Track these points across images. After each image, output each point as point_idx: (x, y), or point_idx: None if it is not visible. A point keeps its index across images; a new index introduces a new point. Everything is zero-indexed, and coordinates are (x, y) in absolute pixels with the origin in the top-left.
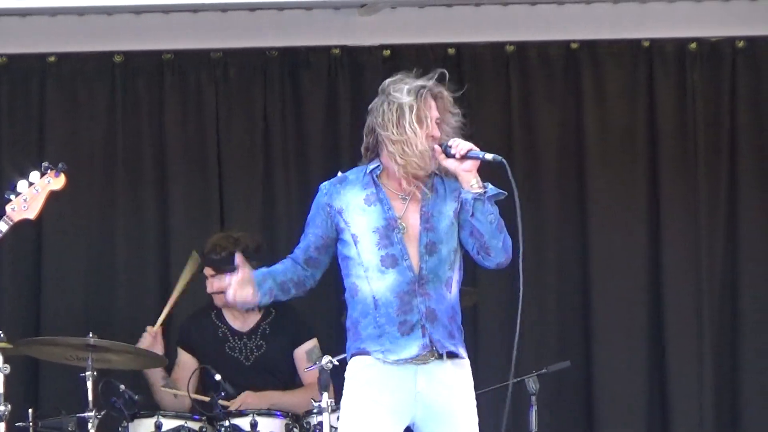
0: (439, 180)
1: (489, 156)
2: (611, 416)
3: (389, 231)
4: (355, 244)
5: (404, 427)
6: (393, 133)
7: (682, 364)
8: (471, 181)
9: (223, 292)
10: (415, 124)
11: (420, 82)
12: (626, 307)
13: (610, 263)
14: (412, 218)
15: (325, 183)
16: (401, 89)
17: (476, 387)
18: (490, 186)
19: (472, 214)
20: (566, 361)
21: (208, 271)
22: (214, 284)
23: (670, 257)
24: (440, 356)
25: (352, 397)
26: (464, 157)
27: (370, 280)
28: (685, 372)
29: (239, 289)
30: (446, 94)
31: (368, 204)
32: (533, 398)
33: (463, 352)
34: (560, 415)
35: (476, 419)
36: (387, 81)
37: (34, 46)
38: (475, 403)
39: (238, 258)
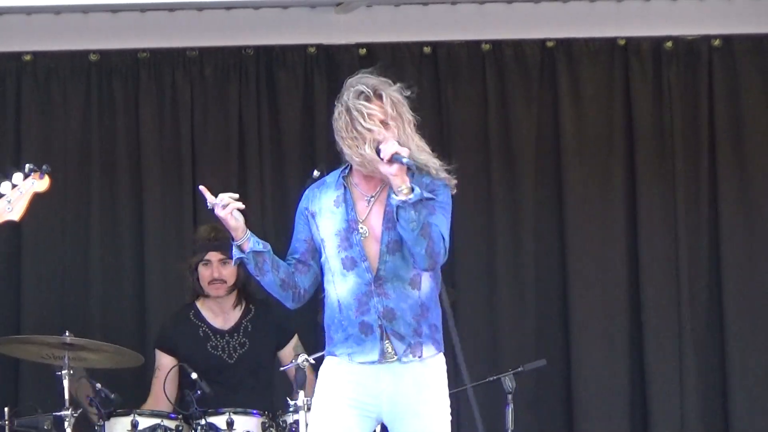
0: (410, 176)
1: (405, 160)
2: (591, 413)
3: (349, 233)
4: (324, 249)
5: (374, 424)
6: (344, 135)
7: (662, 360)
8: (400, 186)
9: (224, 281)
10: (359, 127)
11: (370, 82)
12: (605, 305)
13: (588, 261)
14: (374, 219)
15: (310, 188)
16: (350, 91)
17: (457, 385)
18: (417, 191)
19: (398, 220)
20: (542, 359)
21: (214, 255)
22: (216, 271)
23: (649, 254)
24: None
25: (321, 396)
26: (390, 161)
27: (336, 283)
28: (665, 368)
29: (236, 210)
30: (393, 93)
31: (336, 206)
32: (509, 396)
33: (431, 349)
34: (540, 414)
35: (446, 417)
36: (347, 80)
37: (9, 44)
38: (446, 400)
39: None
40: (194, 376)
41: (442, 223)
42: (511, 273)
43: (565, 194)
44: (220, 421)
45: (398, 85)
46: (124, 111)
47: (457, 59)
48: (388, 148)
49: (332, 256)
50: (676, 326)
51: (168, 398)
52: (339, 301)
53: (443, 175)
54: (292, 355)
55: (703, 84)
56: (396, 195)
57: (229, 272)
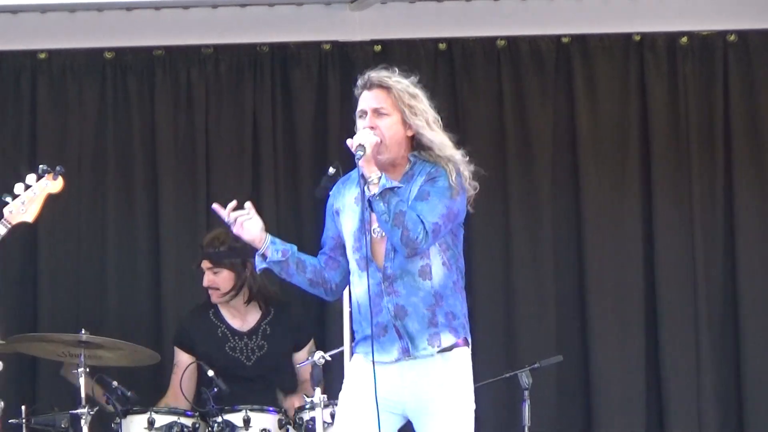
0: (419, 163)
1: (358, 153)
2: (608, 409)
3: (361, 234)
4: (346, 247)
5: (400, 421)
6: (356, 127)
7: (678, 355)
8: (370, 177)
9: (218, 288)
10: (358, 118)
11: (372, 73)
12: (621, 300)
13: (604, 255)
14: None
15: (338, 183)
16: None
17: (474, 380)
18: (382, 181)
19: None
20: (559, 355)
21: (205, 264)
22: (208, 278)
23: (665, 249)
24: (418, 356)
25: (346, 392)
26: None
27: (354, 284)
28: (681, 364)
29: (248, 222)
30: (395, 83)
31: (356, 204)
32: (526, 393)
33: (450, 337)
34: (557, 410)
35: (470, 412)
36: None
37: (24, 42)
38: (469, 395)
39: (250, 204)
40: (211, 373)
41: (429, 208)
42: (528, 268)
43: (582, 189)
44: (236, 418)
45: (411, 78)
46: (139, 109)
47: (472, 56)
48: (354, 139)
49: (350, 255)
50: (693, 321)
51: (185, 395)
52: (358, 302)
53: (458, 157)
54: (305, 359)
55: (718, 79)
56: (368, 188)
57: (222, 279)
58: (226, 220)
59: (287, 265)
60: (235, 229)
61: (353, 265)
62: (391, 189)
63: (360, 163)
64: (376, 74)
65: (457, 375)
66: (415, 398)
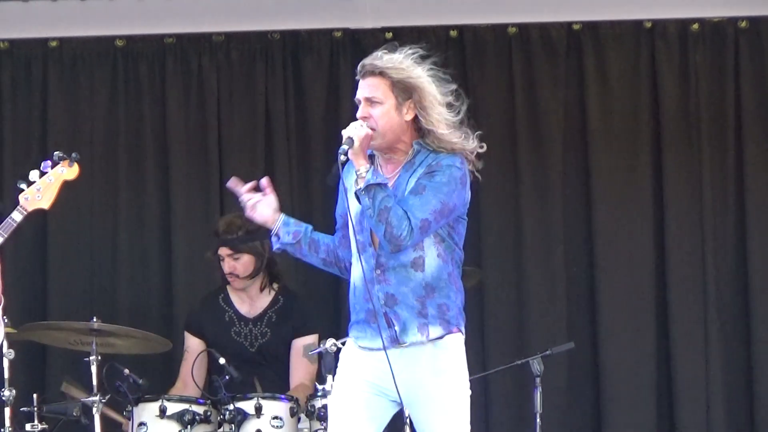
0: (423, 152)
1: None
2: (619, 396)
3: (363, 217)
4: (350, 227)
5: (393, 405)
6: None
7: (688, 342)
8: (358, 170)
9: (238, 275)
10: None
11: (366, 60)
12: (632, 287)
13: (615, 242)
14: None
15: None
16: None
17: (485, 367)
18: (368, 176)
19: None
20: (570, 342)
21: (224, 251)
22: (228, 265)
23: (675, 237)
24: (407, 343)
25: (340, 376)
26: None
27: (353, 266)
28: (690, 352)
29: (262, 204)
30: (389, 67)
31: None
32: (538, 380)
33: (438, 329)
34: (568, 396)
35: (464, 400)
36: None
37: (36, 31)
38: (463, 383)
39: (266, 180)
40: (222, 361)
41: (421, 204)
42: (539, 255)
43: (592, 176)
44: (248, 406)
45: (406, 57)
46: (151, 96)
47: (483, 43)
48: (344, 132)
49: (352, 237)
50: (702, 306)
51: (196, 383)
52: (354, 285)
53: (460, 146)
54: (299, 351)
55: (729, 66)
56: (357, 181)
57: (243, 264)
58: (241, 198)
59: (299, 247)
60: (248, 212)
61: (354, 247)
62: (377, 184)
63: (350, 155)
64: (369, 60)
65: (448, 361)
66: (406, 386)
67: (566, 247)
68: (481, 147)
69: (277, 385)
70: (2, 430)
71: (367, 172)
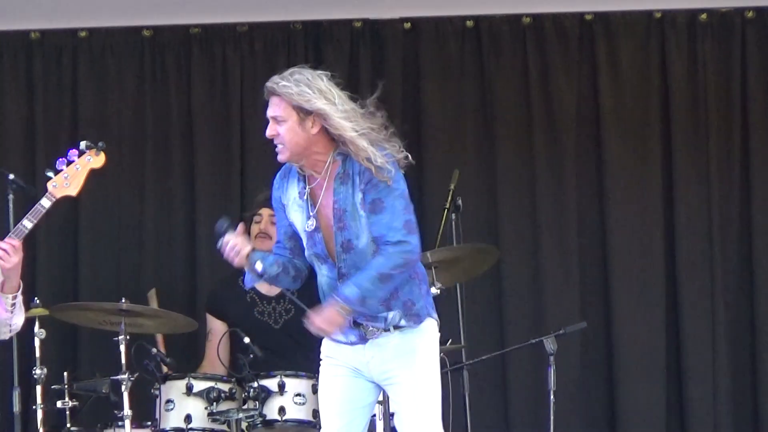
0: (350, 161)
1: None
2: (631, 373)
3: (312, 232)
4: (294, 236)
5: (376, 387)
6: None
7: (697, 320)
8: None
9: (271, 237)
10: None
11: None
12: (643, 268)
13: (627, 226)
14: (326, 213)
15: (276, 177)
16: None
17: (503, 345)
18: (347, 310)
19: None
20: (583, 322)
21: (266, 212)
22: (267, 225)
23: (684, 221)
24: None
25: (322, 364)
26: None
27: (317, 273)
28: (699, 329)
29: (244, 249)
30: (285, 87)
31: (301, 198)
32: (551, 358)
33: (397, 315)
34: (581, 374)
35: (429, 379)
36: None
37: (66, 21)
38: (432, 364)
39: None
40: (247, 340)
41: (391, 215)
42: (554, 238)
43: (605, 162)
44: (271, 383)
45: (299, 83)
46: (177, 86)
47: (498, 33)
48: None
49: (306, 249)
50: (710, 287)
51: (222, 362)
52: (322, 289)
53: (380, 161)
54: None
55: (737, 55)
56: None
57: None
58: (226, 247)
59: (276, 274)
60: (236, 261)
61: (311, 258)
62: (349, 303)
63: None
64: (270, 84)
65: (418, 345)
66: (379, 371)
67: (579, 228)
68: (405, 156)
69: (305, 358)
70: (34, 406)
71: (345, 309)
